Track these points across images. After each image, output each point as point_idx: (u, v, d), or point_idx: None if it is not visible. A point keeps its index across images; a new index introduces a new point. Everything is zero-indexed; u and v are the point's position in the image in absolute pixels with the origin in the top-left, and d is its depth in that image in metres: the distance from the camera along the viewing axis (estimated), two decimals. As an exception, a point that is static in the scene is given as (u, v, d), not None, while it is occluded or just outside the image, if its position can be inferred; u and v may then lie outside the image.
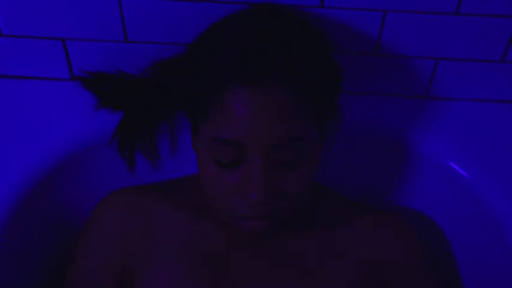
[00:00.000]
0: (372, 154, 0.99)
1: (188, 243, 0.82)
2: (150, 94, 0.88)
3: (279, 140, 0.67)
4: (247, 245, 0.82)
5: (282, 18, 0.74)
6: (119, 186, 0.96)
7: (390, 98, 0.98)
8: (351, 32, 0.89)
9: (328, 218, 0.84)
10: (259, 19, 0.73)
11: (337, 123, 0.78)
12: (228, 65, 0.67)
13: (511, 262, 0.87)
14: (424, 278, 0.84)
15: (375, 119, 0.97)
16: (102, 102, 0.90)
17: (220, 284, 0.79)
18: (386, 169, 1.01)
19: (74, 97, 0.95)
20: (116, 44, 0.92)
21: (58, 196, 0.95)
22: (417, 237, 0.86)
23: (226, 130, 0.67)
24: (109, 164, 0.94)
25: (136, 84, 0.90)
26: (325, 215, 0.84)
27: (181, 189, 0.86)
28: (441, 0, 0.85)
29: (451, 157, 0.94)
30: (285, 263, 0.81)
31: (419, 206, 1.02)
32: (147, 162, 0.93)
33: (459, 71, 0.94)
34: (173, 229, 0.82)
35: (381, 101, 0.98)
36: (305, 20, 0.76)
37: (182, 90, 0.79)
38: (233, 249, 0.82)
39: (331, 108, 0.76)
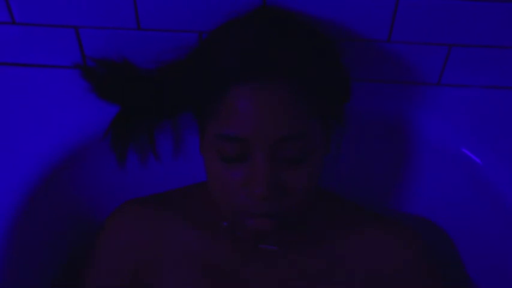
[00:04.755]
0: (383, 142, 0.99)
1: (197, 259, 0.82)
2: (151, 91, 0.88)
3: (282, 135, 0.68)
4: (256, 260, 0.82)
5: (285, 19, 0.76)
6: (130, 176, 0.96)
7: (402, 85, 0.98)
8: (363, 19, 0.89)
9: (337, 230, 0.84)
10: (262, 19, 0.75)
11: (342, 133, 0.79)
12: (229, 64, 0.69)
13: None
14: None
15: (386, 106, 0.96)
16: (100, 94, 0.90)
17: None
18: (398, 157, 1.01)
19: (87, 85, 0.95)
20: (128, 31, 0.92)
21: (70, 184, 0.96)
22: (426, 248, 0.85)
23: (230, 127, 0.68)
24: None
25: (138, 78, 0.90)
26: (334, 227, 0.84)
27: (191, 201, 0.86)
28: (455, -14, 0.85)
29: (464, 144, 0.94)
30: (294, 279, 0.82)
31: (431, 195, 1.02)
32: (156, 160, 0.94)
33: (472, 58, 0.93)
34: (182, 244, 0.83)
35: (392, 89, 0.98)
36: (310, 22, 0.77)
37: (185, 90, 0.80)
38: (241, 264, 0.82)
39: (336, 112, 0.77)
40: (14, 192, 0.86)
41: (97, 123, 0.93)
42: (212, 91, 0.70)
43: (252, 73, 0.67)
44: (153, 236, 0.84)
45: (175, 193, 0.89)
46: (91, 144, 0.94)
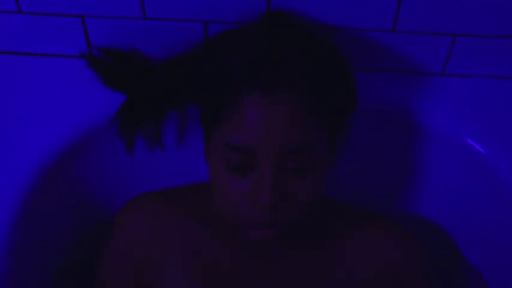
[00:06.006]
0: (385, 132, 0.99)
1: (197, 257, 0.83)
2: (157, 82, 0.88)
3: (289, 146, 0.68)
4: (256, 260, 0.83)
5: (295, 29, 0.76)
6: (136, 165, 0.97)
7: (406, 75, 0.98)
8: (368, 9, 0.89)
9: (337, 232, 0.84)
10: (272, 28, 0.75)
11: (345, 140, 0.79)
12: (242, 73, 0.69)
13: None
14: None
15: (390, 96, 0.97)
16: (107, 83, 0.90)
17: None
18: (401, 147, 1.01)
19: (93, 74, 0.96)
20: (134, 21, 0.92)
21: (75, 174, 0.97)
22: (422, 250, 0.85)
23: (238, 136, 0.69)
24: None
25: (145, 68, 0.90)
26: (334, 230, 0.85)
27: (196, 200, 0.87)
28: (459, -24, 0.85)
29: (468, 135, 0.94)
30: (294, 279, 0.82)
31: (433, 185, 1.03)
32: (162, 150, 0.93)
33: (477, 48, 0.93)
34: (184, 242, 0.84)
35: (396, 79, 0.98)
36: (323, 35, 0.77)
37: (194, 90, 0.80)
38: (242, 264, 0.83)
39: (343, 124, 0.77)
40: (18, 184, 0.87)
41: (103, 113, 0.93)
42: (221, 99, 0.71)
43: (262, 84, 0.68)
44: (158, 234, 0.84)
45: (182, 190, 0.89)
46: (96, 134, 0.94)
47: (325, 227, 0.84)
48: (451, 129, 0.95)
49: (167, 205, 0.86)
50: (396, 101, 0.96)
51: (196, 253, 0.83)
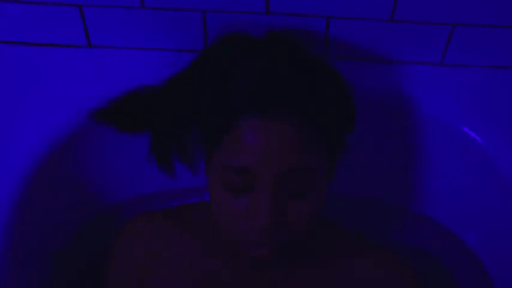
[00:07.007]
0: (383, 122, 0.99)
1: (199, 276, 0.83)
2: (168, 113, 0.84)
3: (288, 169, 0.68)
4: (257, 279, 0.83)
5: (296, 51, 0.76)
6: (135, 155, 0.97)
7: (405, 65, 0.98)
8: (367, -2, 0.89)
9: (337, 253, 0.85)
10: (275, 51, 0.75)
11: (341, 156, 0.79)
12: (240, 95, 0.69)
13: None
14: None
15: (388, 86, 0.97)
16: (123, 129, 0.87)
17: None
18: (399, 137, 1.01)
19: (91, 64, 0.96)
20: (132, 10, 0.92)
21: (74, 164, 0.97)
22: (416, 277, 0.85)
23: (237, 158, 0.69)
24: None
25: (152, 103, 0.85)
26: (334, 250, 0.85)
27: (196, 219, 0.87)
28: (458, -36, 0.85)
29: (466, 124, 0.94)
30: None
31: (432, 176, 1.03)
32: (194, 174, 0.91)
33: (476, 37, 0.93)
34: (187, 262, 0.84)
35: (395, 69, 0.98)
36: (321, 57, 0.77)
37: (195, 113, 0.80)
38: (243, 283, 0.83)
39: (342, 143, 0.77)
40: (15, 176, 0.87)
41: (100, 101, 0.91)
42: (221, 122, 0.71)
43: (263, 106, 0.68)
44: (158, 252, 0.85)
45: (182, 209, 0.90)
46: (95, 125, 0.93)
47: (325, 245, 0.85)
48: (450, 119, 0.95)
49: (167, 224, 0.86)
50: (395, 91, 0.96)
51: (196, 270, 0.83)
